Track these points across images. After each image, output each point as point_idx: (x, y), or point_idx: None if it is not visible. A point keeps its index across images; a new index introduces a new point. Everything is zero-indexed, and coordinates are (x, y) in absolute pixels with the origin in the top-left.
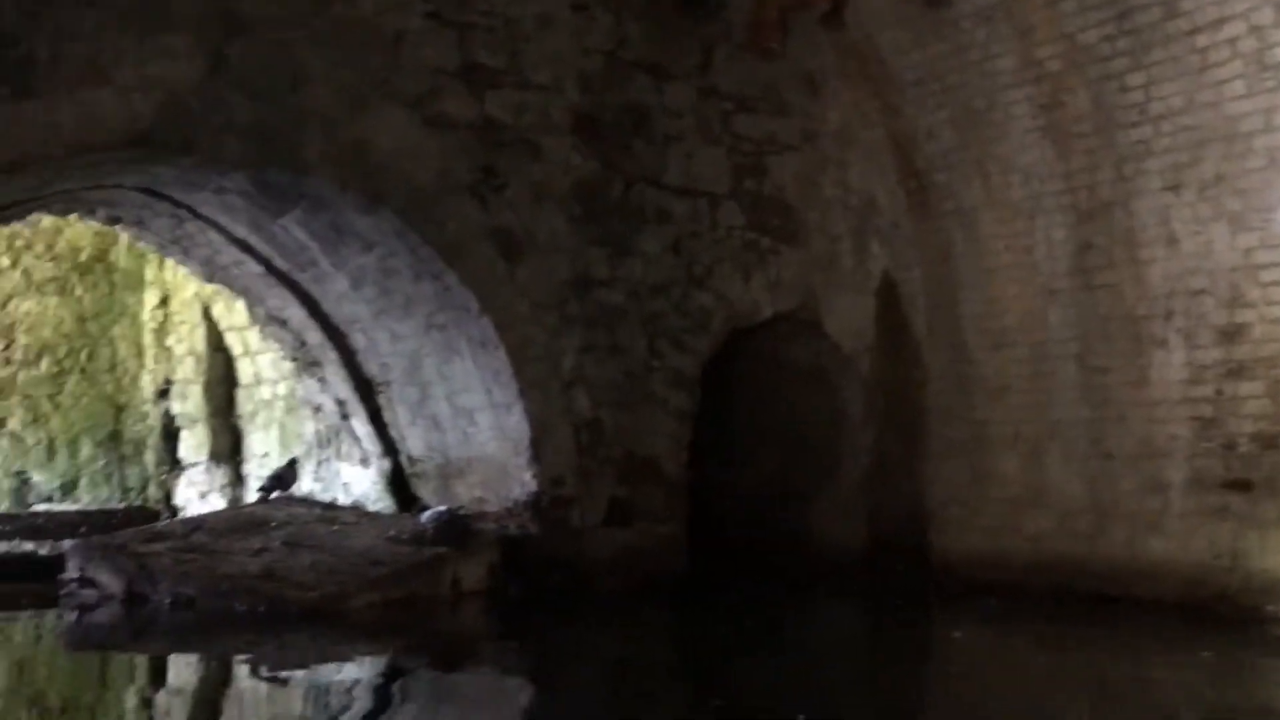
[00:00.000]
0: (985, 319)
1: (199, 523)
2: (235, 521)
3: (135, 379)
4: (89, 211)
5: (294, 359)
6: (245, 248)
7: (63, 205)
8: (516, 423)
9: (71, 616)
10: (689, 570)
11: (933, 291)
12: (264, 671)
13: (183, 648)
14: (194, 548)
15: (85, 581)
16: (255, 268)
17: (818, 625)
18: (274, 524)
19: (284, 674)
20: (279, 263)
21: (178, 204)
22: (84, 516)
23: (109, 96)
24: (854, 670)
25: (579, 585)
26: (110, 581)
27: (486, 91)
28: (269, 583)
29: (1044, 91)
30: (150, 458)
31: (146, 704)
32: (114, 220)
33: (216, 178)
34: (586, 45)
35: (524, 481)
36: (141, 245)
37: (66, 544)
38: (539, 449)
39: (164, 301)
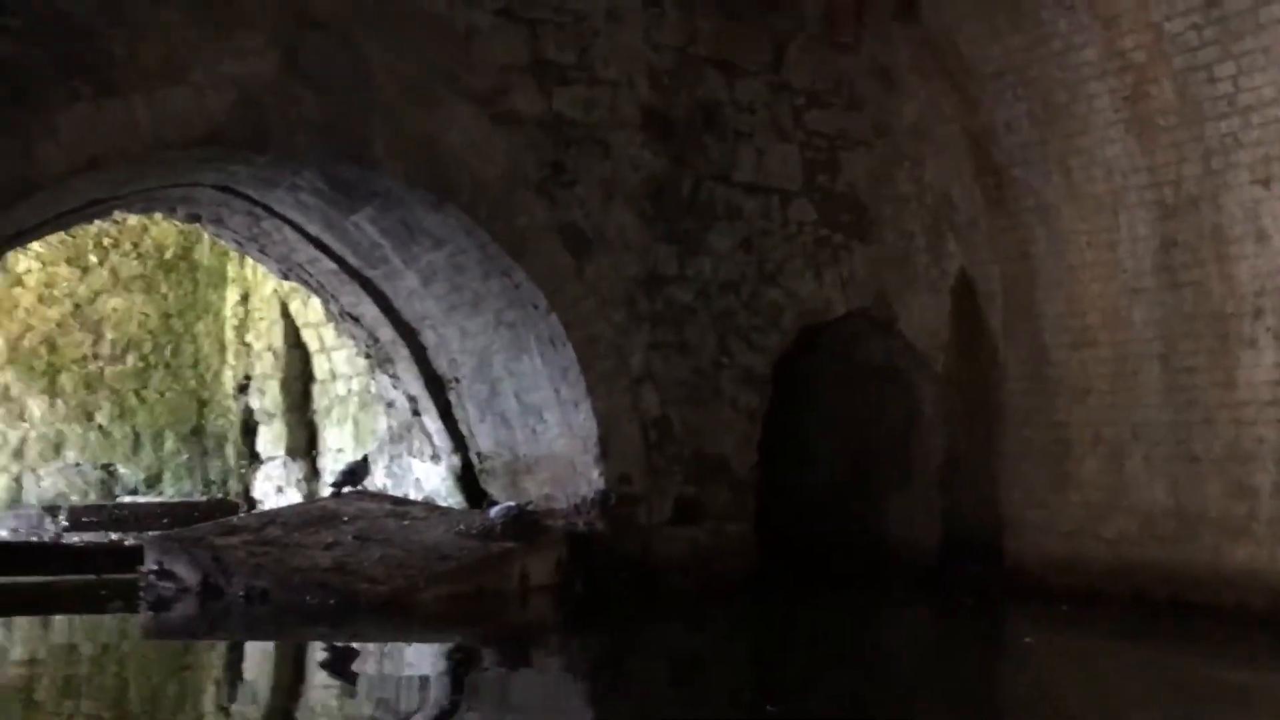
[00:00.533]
0: (1066, 317)
1: (273, 517)
2: (308, 516)
3: (217, 374)
4: (170, 210)
5: (367, 355)
6: (319, 245)
7: (144, 203)
8: (584, 420)
9: (150, 608)
10: (759, 570)
11: (1011, 289)
12: (337, 663)
13: (257, 639)
14: (268, 541)
15: (163, 574)
16: (329, 265)
17: (888, 627)
18: (345, 518)
19: (355, 667)
20: (351, 260)
21: (254, 202)
22: (166, 508)
23: (185, 94)
24: (922, 673)
25: (647, 583)
26: (187, 574)
27: (556, 87)
28: (339, 576)
29: (1128, 83)
30: (231, 452)
31: (222, 695)
32: (194, 218)
33: (290, 175)
34: (657, 41)
35: (591, 479)
36: (221, 242)
37: (147, 536)
38: (606, 446)
39: (245, 298)
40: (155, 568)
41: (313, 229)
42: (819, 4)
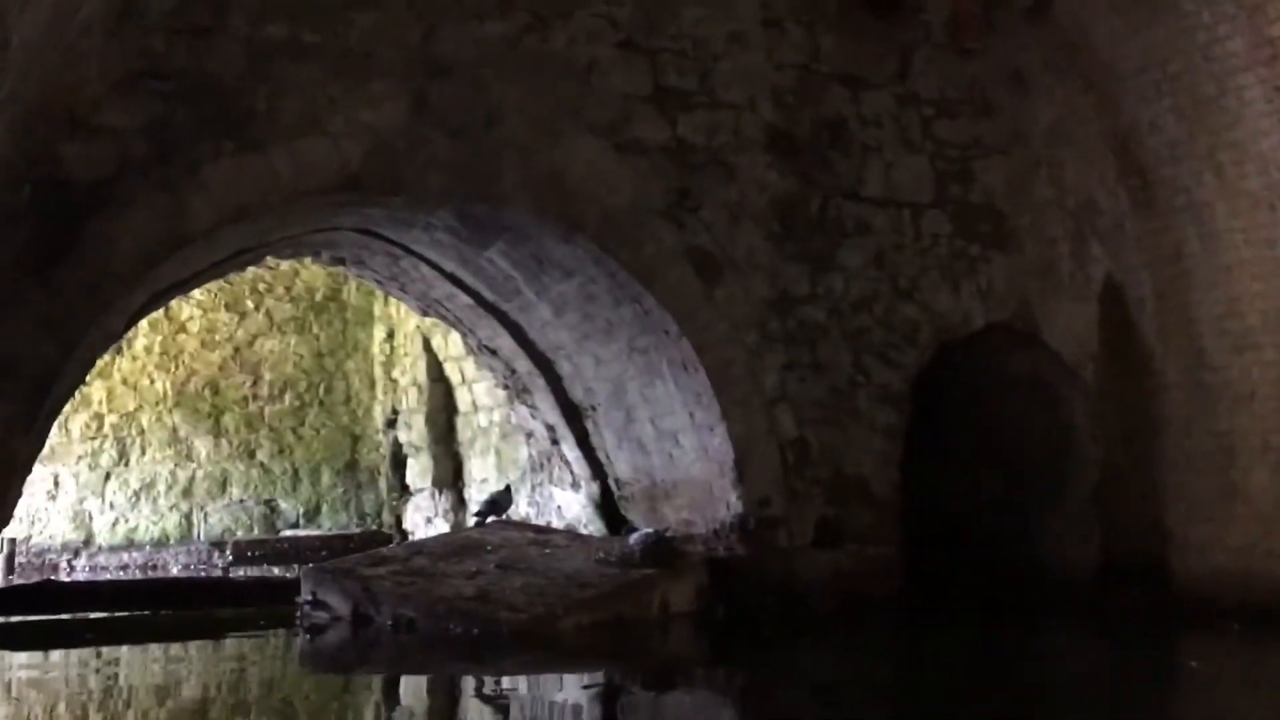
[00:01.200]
0: (1225, 320)
1: (420, 547)
2: (453, 545)
3: (368, 410)
4: (315, 254)
5: (505, 386)
6: (455, 281)
7: (290, 249)
8: (720, 443)
9: (306, 637)
10: (906, 593)
11: (1163, 294)
12: (485, 691)
13: (405, 669)
14: (414, 571)
15: (317, 604)
16: (465, 300)
17: (1040, 652)
18: (489, 547)
19: (504, 695)
20: (486, 294)
21: (392, 242)
22: (323, 541)
23: (322, 144)
24: (1075, 701)
25: (790, 607)
26: (339, 604)
27: (678, 114)
28: (483, 605)
29: (1279, 73)
30: (383, 485)
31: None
32: (337, 261)
33: (424, 215)
34: (779, 60)
35: (729, 503)
36: (364, 282)
37: (302, 569)
38: (743, 469)
39: (390, 336)
40: (310, 598)
41: (448, 266)
42: (944, 10)
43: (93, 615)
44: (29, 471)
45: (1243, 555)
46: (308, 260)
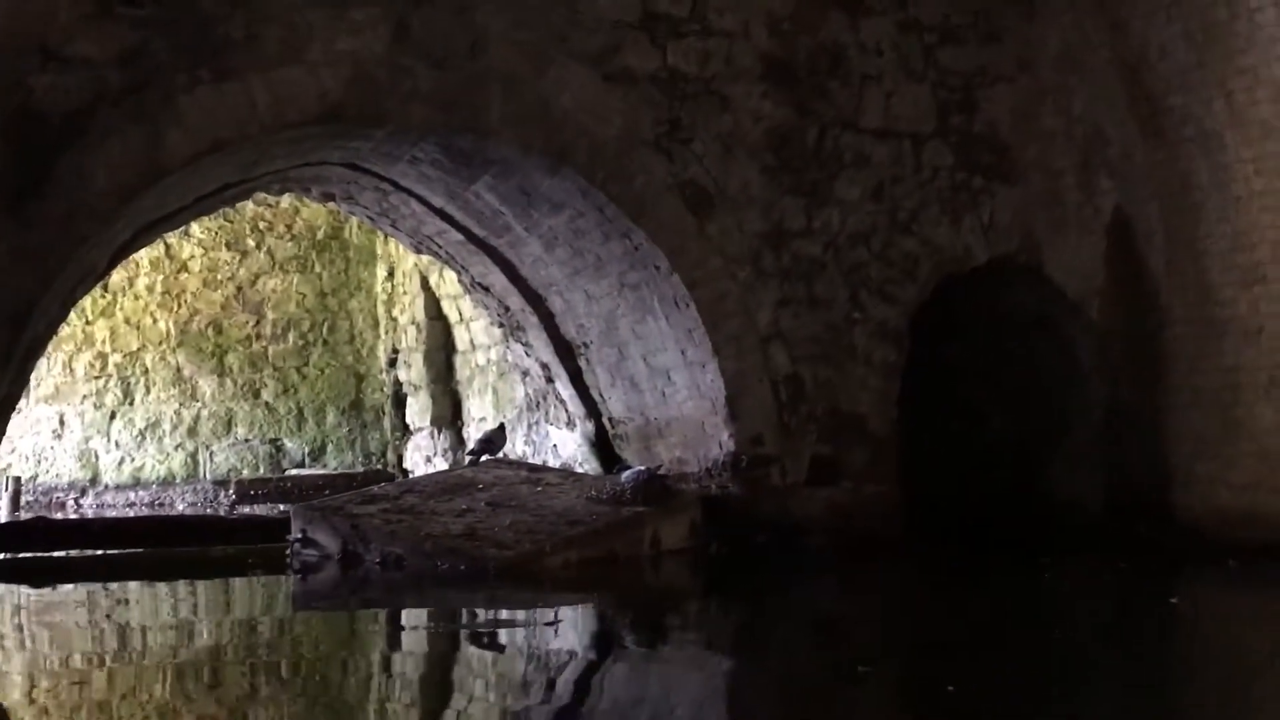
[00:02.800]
0: (1234, 253)
1: (411, 485)
2: (445, 484)
3: (372, 349)
4: (304, 190)
5: (500, 324)
6: (445, 217)
7: (279, 184)
8: (712, 381)
9: (297, 575)
10: (907, 532)
11: (1172, 226)
12: (465, 629)
13: (394, 605)
14: (404, 509)
15: (307, 541)
16: (456, 236)
17: (1036, 590)
18: (481, 486)
19: (486, 631)
20: (476, 230)
21: (380, 177)
22: (327, 480)
23: (301, 74)
24: (1057, 640)
25: (784, 545)
26: (328, 541)
27: (669, 41)
28: (470, 542)
29: None
30: (388, 424)
31: (361, 665)
32: (327, 196)
33: (408, 148)
34: None
35: (722, 441)
36: (354, 218)
37: (293, 507)
38: (735, 407)
39: (391, 274)
40: (300, 536)
41: (437, 201)
42: None
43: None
44: (10, 408)
45: (1246, 493)
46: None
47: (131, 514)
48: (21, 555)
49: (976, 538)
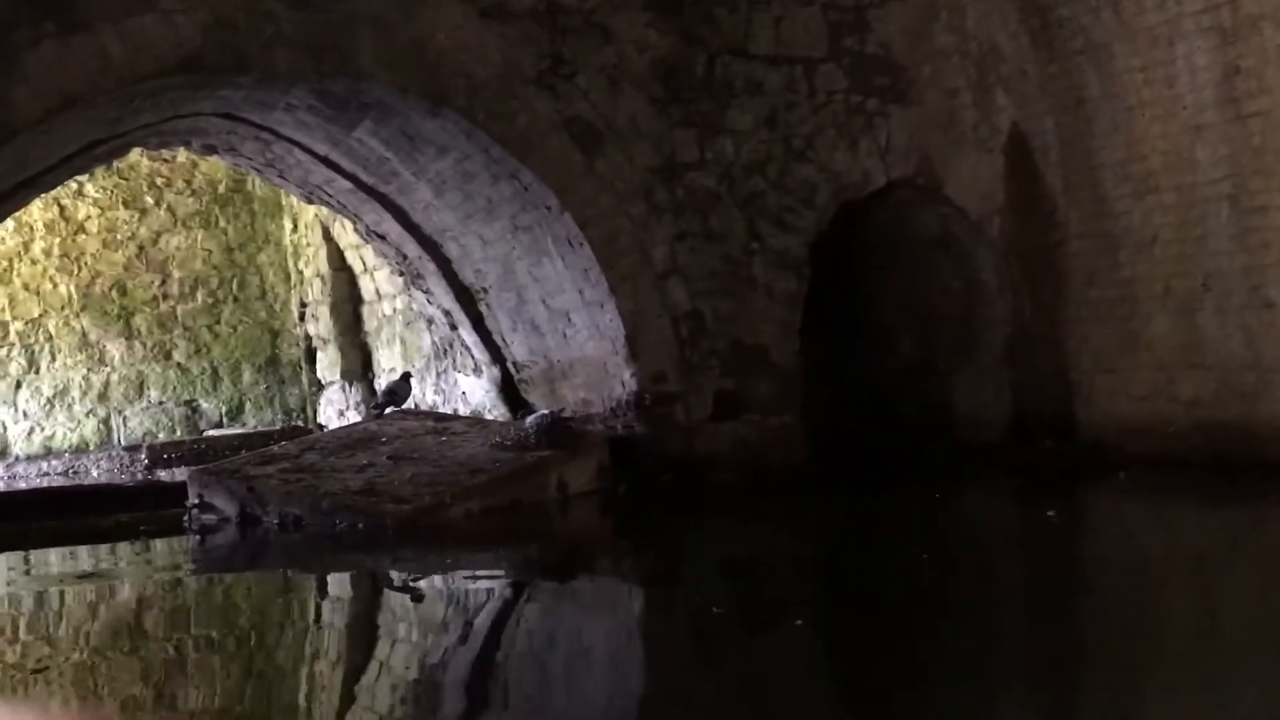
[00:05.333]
0: (1126, 164)
1: (312, 443)
2: (348, 439)
3: (285, 304)
4: (184, 142)
5: (400, 273)
6: (330, 164)
7: (156, 139)
8: (610, 320)
9: (196, 539)
10: (815, 463)
11: (1067, 140)
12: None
13: (283, 568)
14: (303, 468)
15: (205, 506)
16: (344, 184)
17: (932, 515)
18: (384, 439)
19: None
20: (364, 177)
21: (259, 126)
22: (244, 439)
23: (154, 22)
24: (940, 560)
25: (691, 482)
26: (225, 505)
27: None
28: (367, 498)
29: None
30: (305, 379)
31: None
32: (209, 149)
33: (280, 95)
34: None
35: (624, 380)
36: (240, 170)
37: (188, 470)
38: (636, 346)
39: (296, 226)
40: (197, 500)
41: (320, 149)
42: None
43: None
44: None
45: (1146, 404)
46: None
47: (44, 484)
48: None
49: (885, 465)
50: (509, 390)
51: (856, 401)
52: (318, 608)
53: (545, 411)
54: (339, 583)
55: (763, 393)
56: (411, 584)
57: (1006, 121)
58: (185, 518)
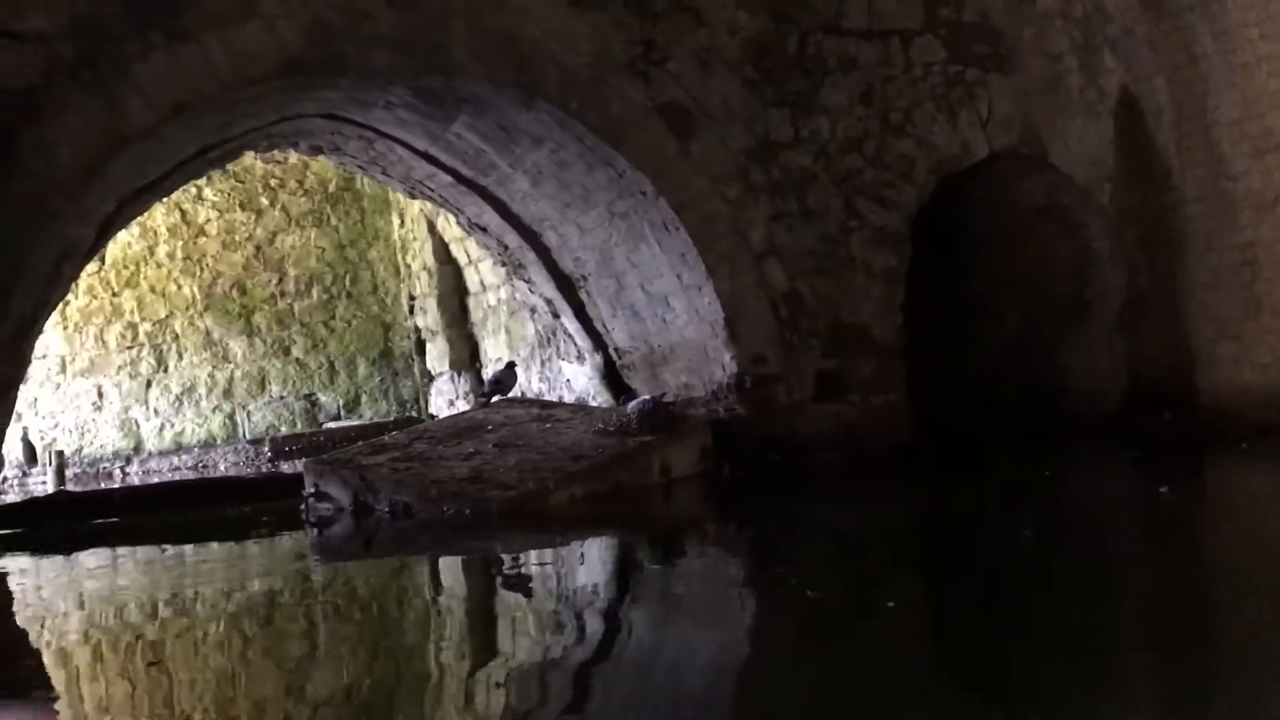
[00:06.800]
0: (1244, 122)
1: (421, 432)
2: (455, 428)
3: (396, 297)
4: (292, 144)
5: (502, 263)
6: (430, 160)
7: (265, 141)
8: (709, 303)
9: (314, 530)
10: (923, 440)
11: (1180, 100)
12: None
13: (402, 554)
14: (412, 457)
15: (320, 495)
16: (445, 178)
17: (1053, 488)
18: (490, 427)
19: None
20: (464, 170)
21: (361, 125)
22: (359, 431)
23: (257, 29)
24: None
25: (794, 463)
26: (340, 494)
27: None
28: (474, 485)
29: None
30: (417, 370)
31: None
32: (315, 149)
33: (379, 93)
34: None
35: (724, 363)
36: (346, 169)
37: (304, 462)
38: (735, 328)
39: (403, 221)
40: (313, 490)
41: (419, 144)
42: None
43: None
44: (12, 391)
45: (1269, 371)
46: None
47: (175, 479)
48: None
49: (992, 441)
50: (612, 376)
51: (960, 377)
52: (434, 593)
53: (647, 396)
54: (450, 568)
55: (865, 372)
56: (516, 569)
57: (1115, 84)
58: (301, 506)
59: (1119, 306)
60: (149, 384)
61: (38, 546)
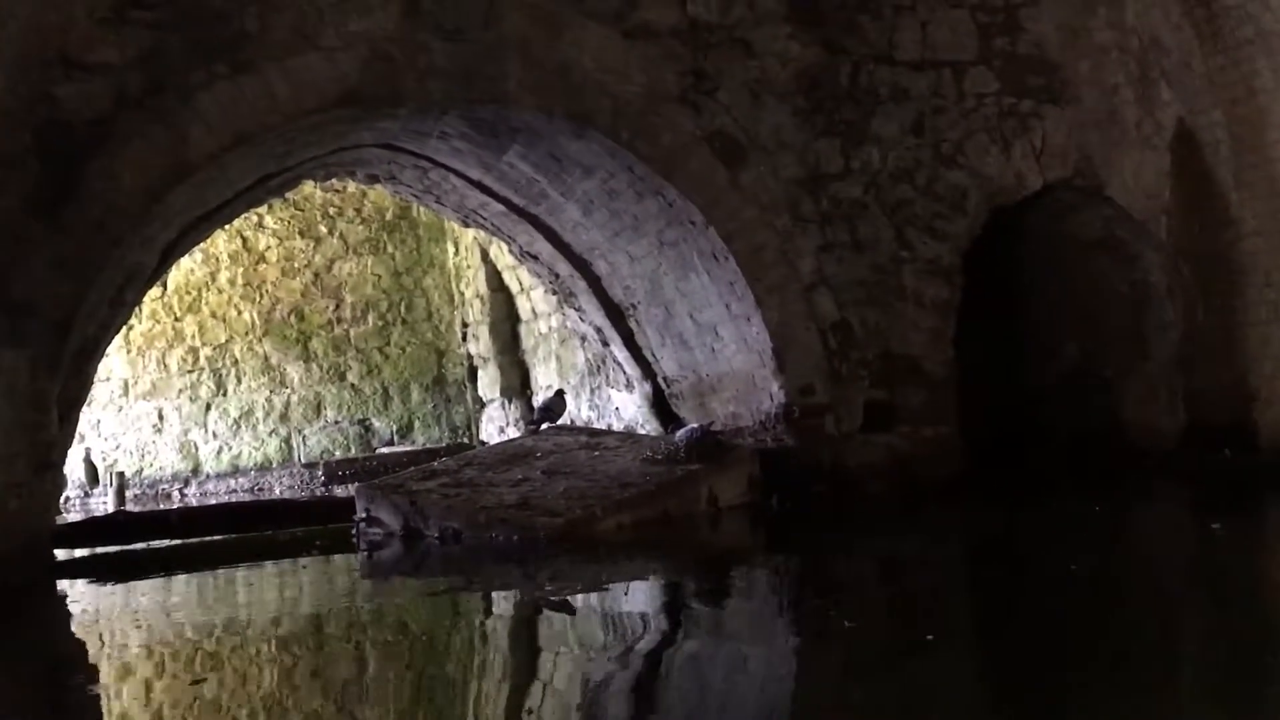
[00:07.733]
0: None
1: (471, 458)
2: (505, 454)
3: (450, 325)
4: (349, 173)
5: (553, 291)
6: (484, 189)
7: (323, 171)
8: (757, 333)
9: (364, 554)
10: (975, 472)
11: (1238, 134)
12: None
13: (449, 578)
14: (462, 483)
15: (371, 520)
16: (498, 207)
17: (1105, 523)
18: (539, 454)
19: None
20: (516, 199)
21: (417, 155)
22: (411, 457)
23: (317, 60)
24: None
25: (843, 494)
26: (390, 519)
27: None
28: (522, 512)
29: None
30: (470, 397)
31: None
32: (372, 178)
33: (434, 123)
34: None
35: (772, 393)
36: (401, 198)
37: (356, 486)
38: (783, 358)
39: (458, 249)
40: (364, 515)
41: (473, 174)
42: None
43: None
44: (75, 411)
45: None
46: None
47: (230, 500)
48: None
49: (1043, 476)
50: (660, 405)
51: (1013, 410)
52: (483, 618)
53: (695, 425)
54: (499, 596)
55: (915, 403)
56: (563, 597)
57: (1171, 117)
58: (353, 531)
59: (1176, 341)
60: (208, 407)
61: (97, 570)
